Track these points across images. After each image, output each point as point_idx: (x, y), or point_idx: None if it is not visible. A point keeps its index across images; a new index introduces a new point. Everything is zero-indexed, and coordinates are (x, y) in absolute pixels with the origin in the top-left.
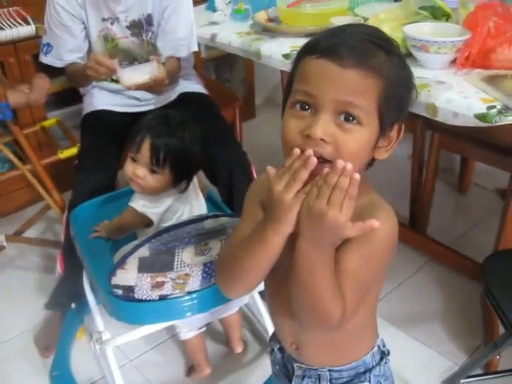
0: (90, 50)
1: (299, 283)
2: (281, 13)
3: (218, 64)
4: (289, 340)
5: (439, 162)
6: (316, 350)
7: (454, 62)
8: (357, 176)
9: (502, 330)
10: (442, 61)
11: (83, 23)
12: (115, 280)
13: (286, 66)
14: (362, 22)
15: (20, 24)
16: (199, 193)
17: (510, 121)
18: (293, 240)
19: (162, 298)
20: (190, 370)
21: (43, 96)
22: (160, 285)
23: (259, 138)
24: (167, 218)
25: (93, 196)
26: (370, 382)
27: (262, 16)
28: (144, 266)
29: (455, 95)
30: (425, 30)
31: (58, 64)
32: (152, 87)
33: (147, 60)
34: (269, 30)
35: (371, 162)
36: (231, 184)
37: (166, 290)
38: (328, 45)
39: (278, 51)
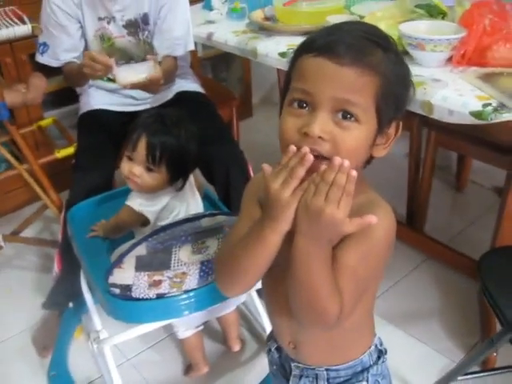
0: (86, 50)
1: (296, 280)
2: (277, 11)
3: (215, 63)
4: (286, 339)
5: (436, 160)
6: (314, 348)
7: (449, 59)
8: (354, 173)
9: (499, 327)
10: (438, 59)
11: (79, 22)
12: (112, 279)
13: (283, 64)
14: (358, 20)
15: (16, 23)
16: (196, 191)
17: (505, 118)
18: (290, 238)
19: (160, 296)
20: (188, 368)
21: (40, 95)
22: (157, 283)
23: (256, 137)
24: (164, 216)
25: (90, 195)
26: (367, 381)
27: (258, 15)
28: (141, 265)
29: (451, 93)
30: (421, 28)
31: (54, 63)
32: (148, 86)
33: (144, 59)
34: (265, 28)
35: (369, 159)
36: (228, 183)
37: (164, 288)
38: (325, 43)
39: (274, 50)
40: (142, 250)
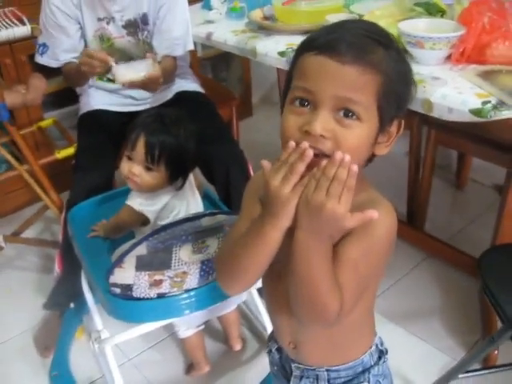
0: None
1: (297, 276)
2: (276, 11)
3: (215, 63)
4: (287, 339)
5: (436, 159)
6: (314, 348)
7: (449, 57)
8: (355, 168)
9: (500, 325)
10: (437, 57)
11: (79, 23)
12: (113, 279)
13: (282, 63)
14: (358, 18)
15: (16, 24)
16: (195, 191)
17: (504, 115)
18: (290, 235)
19: (160, 296)
20: (189, 368)
21: (40, 96)
22: (158, 283)
23: (256, 137)
24: (164, 216)
25: (90, 195)
26: (369, 382)
27: (257, 14)
28: (142, 265)
29: (450, 91)
30: (420, 26)
31: (53, 64)
32: (147, 85)
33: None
34: (264, 27)
35: (371, 157)
36: (228, 182)
37: (164, 288)
38: (326, 41)
39: (273, 49)
40: (142, 249)
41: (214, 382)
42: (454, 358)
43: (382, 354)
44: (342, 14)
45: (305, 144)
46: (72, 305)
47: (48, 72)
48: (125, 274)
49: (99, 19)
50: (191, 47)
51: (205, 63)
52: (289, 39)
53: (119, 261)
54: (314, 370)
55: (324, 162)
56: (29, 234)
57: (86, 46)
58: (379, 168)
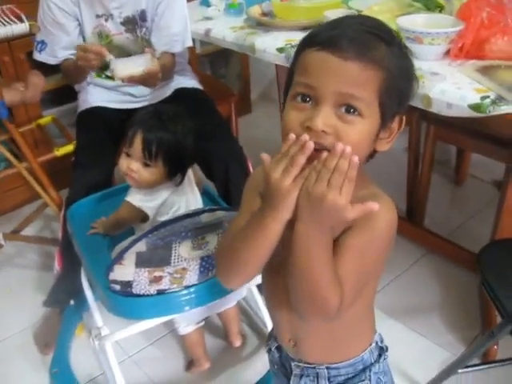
0: None
1: (297, 269)
2: (275, 7)
3: (214, 59)
4: (286, 336)
5: (435, 154)
6: (314, 345)
7: (447, 53)
8: (356, 159)
9: (499, 320)
10: (436, 52)
11: (77, 20)
12: (113, 275)
13: (281, 59)
14: (357, 14)
15: (14, 22)
16: (194, 187)
17: (503, 110)
18: (290, 227)
19: (160, 292)
20: (190, 364)
21: (38, 94)
22: (158, 279)
23: (255, 133)
24: (163, 212)
25: (90, 193)
26: (370, 380)
27: (255, 10)
28: (141, 261)
29: (449, 86)
30: (418, 21)
31: (52, 61)
32: (145, 80)
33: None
34: (263, 24)
35: (372, 153)
36: (227, 179)
37: (164, 284)
38: (328, 37)
39: (272, 45)
40: (142, 246)
41: (215, 378)
42: (453, 353)
43: (382, 351)
44: (341, 10)
45: (305, 136)
46: (72, 302)
47: (46, 69)
48: (124, 270)
49: (97, 16)
50: (190, 44)
51: (203, 60)
52: (287, 35)
53: (119, 257)
54: (314, 367)
55: (325, 153)
56: (28, 231)
57: (84, 42)
58: (378, 164)
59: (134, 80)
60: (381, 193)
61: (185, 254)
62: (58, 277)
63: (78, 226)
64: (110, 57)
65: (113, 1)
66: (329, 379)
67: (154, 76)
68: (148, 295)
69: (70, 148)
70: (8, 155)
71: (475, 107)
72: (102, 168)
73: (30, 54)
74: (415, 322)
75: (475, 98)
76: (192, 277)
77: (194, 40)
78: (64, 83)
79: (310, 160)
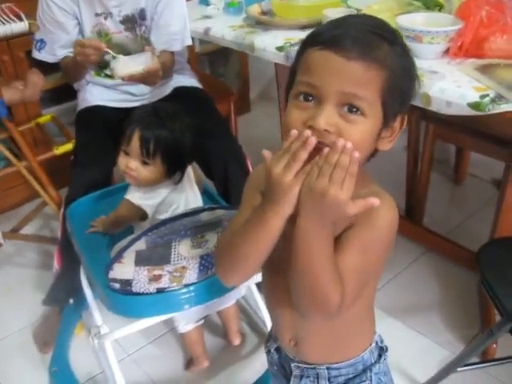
0: None
1: (298, 265)
2: (274, 5)
3: (213, 58)
4: (287, 336)
5: (434, 153)
6: (315, 344)
7: (447, 51)
8: (356, 154)
9: (498, 318)
10: (436, 51)
11: (76, 19)
12: (112, 274)
13: (280, 58)
14: (357, 13)
15: (13, 20)
16: (194, 185)
17: (502, 109)
18: (291, 222)
19: (160, 291)
20: (189, 362)
21: (38, 92)
22: (157, 278)
23: (254, 132)
24: (163, 210)
25: (89, 191)
26: (371, 380)
27: (255, 9)
28: (141, 260)
29: (448, 84)
30: (418, 20)
31: (51, 59)
32: (145, 78)
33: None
34: (262, 22)
35: (374, 153)
36: (227, 177)
37: (164, 283)
38: (331, 36)
39: (271, 44)
40: (141, 244)
41: (214, 376)
42: (452, 351)
43: (382, 351)
44: (340, 9)
45: (307, 132)
46: (71, 301)
47: (46, 68)
48: (124, 269)
49: (97, 14)
50: (189, 42)
51: (202, 58)
52: (287, 34)
53: (118, 256)
54: (315, 368)
55: (326, 149)
56: (28, 230)
57: None
58: (377, 163)
59: (134, 79)
60: (382, 192)
61: (184, 252)
62: (57, 275)
63: (78, 225)
64: (110, 52)
65: None
66: (329, 380)
67: (155, 74)
68: (147, 294)
69: (69, 147)
70: (7, 154)
71: (474, 105)
72: (102, 167)
73: (29, 53)
74: (414, 320)
75: (474, 97)
76: (191, 275)
77: (193, 39)
78: (63, 82)
79: (311, 158)
